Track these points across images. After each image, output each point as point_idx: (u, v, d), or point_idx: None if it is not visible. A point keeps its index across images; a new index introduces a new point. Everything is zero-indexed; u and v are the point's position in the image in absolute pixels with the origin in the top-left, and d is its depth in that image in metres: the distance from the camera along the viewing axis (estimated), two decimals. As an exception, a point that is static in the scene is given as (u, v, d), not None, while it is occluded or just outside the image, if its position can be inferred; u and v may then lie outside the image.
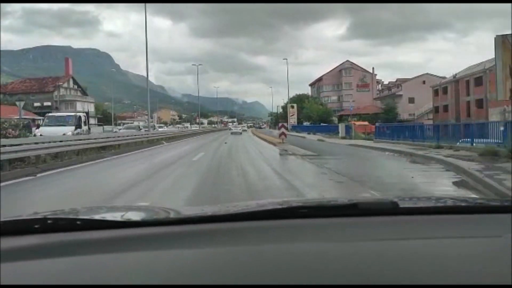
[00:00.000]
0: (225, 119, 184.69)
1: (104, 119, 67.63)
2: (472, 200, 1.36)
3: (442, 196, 1.52)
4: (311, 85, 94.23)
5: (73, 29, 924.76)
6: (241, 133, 49.07)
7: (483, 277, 0.76)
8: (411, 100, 65.90)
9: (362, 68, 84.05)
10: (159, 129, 40.79)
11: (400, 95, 65.89)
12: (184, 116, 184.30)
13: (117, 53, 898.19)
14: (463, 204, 1.33)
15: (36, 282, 0.75)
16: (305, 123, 67.82)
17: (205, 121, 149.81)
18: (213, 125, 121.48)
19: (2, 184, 8.40)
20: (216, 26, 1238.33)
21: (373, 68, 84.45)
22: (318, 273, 0.78)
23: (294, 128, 59.29)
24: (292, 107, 66.92)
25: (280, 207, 1.21)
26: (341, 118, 66.90)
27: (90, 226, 1.01)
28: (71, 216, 1.12)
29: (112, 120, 65.21)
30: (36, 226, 0.98)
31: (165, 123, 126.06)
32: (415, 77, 67.63)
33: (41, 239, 0.94)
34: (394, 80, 71.13)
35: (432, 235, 0.99)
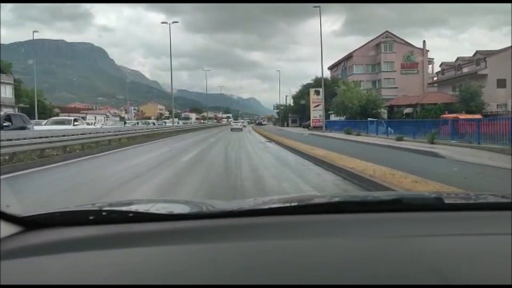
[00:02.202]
0: (219, 114, 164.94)
1: (32, 110, 44.74)
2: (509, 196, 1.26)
3: (482, 193, 1.52)
4: (331, 67, 70.26)
5: (65, 22, 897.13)
6: (241, 130, 44.66)
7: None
8: (501, 84, 42.63)
9: (407, 42, 60.45)
10: (76, 127, 17.69)
11: (484, 76, 42.63)
12: (178, 111, 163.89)
13: (111, 48, 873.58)
14: (499, 200, 1.27)
15: (97, 272, 0.78)
16: (332, 118, 44.68)
17: (193, 116, 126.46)
18: (201, 121, 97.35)
19: None
20: (210, 22, 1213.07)
21: (424, 42, 61.01)
22: (364, 268, 0.77)
23: (331, 124, 36.38)
24: (317, 93, 43.16)
25: (323, 201, 1.17)
26: (392, 110, 43.63)
27: (142, 219, 1.04)
28: (124, 208, 1.15)
29: (36, 113, 42.22)
30: (90, 218, 1.02)
31: (149, 118, 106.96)
32: (506, 48, 44.25)
33: (98, 231, 0.97)
34: (472, 55, 47.39)
35: (479, 232, 0.97)
